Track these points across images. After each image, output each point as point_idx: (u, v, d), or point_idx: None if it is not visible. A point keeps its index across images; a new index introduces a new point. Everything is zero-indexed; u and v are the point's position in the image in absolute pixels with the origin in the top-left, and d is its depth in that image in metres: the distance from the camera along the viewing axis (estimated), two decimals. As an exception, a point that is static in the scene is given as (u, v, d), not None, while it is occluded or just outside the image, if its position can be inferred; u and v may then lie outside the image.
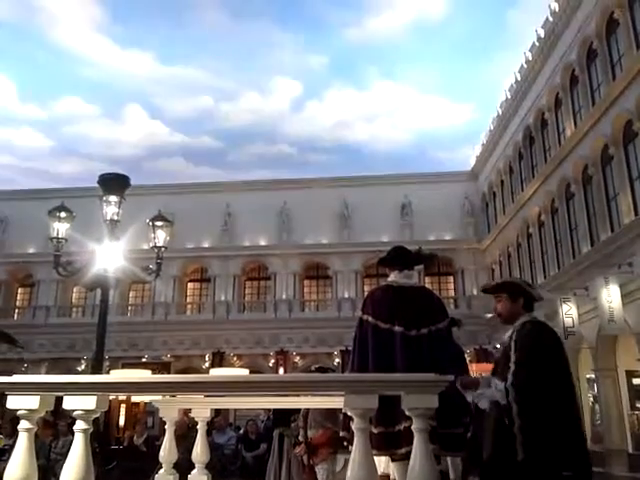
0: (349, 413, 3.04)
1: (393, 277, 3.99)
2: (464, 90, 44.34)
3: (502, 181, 25.40)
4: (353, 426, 3.00)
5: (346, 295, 27.17)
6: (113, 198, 9.79)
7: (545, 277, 20.32)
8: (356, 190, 28.24)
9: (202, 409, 4.81)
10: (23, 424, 3.24)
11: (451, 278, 28.10)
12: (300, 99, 48.36)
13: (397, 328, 3.67)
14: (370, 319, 3.77)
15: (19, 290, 30.07)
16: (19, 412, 3.25)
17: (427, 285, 22.93)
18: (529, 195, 21.68)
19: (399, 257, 4.04)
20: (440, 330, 3.71)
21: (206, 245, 28.65)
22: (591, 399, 17.81)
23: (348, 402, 3.00)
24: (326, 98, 49.51)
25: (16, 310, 29.37)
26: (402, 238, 25.22)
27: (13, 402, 3.23)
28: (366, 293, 4.36)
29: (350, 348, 3.99)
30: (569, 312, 16.43)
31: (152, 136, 47.20)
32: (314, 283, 29.24)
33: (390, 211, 27.67)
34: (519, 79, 22.56)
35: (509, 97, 23.71)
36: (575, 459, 2.90)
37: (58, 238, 9.77)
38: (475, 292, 25.81)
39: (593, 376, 17.05)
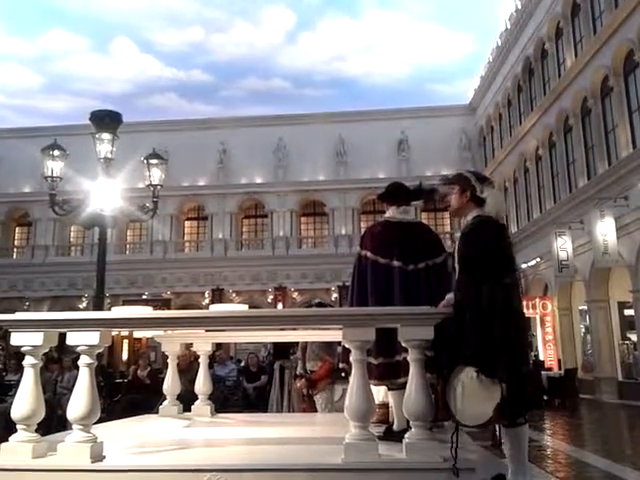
0: (347, 345, 3.13)
1: (391, 213, 4.00)
2: (463, 20, 43.00)
3: (500, 115, 25.05)
4: (351, 357, 3.09)
5: (343, 232, 27.29)
6: (106, 136, 9.66)
7: (541, 211, 20.39)
8: (352, 125, 27.86)
9: (203, 343, 4.93)
10: (28, 360, 3.32)
11: (447, 214, 28.18)
12: (293, 30, 46.85)
13: (395, 263, 3.71)
14: (369, 254, 3.80)
15: (17, 229, 30.12)
16: (23, 348, 3.32)
17: (423, 221, 23.04)
18: (527, 129, 21.44)
19: (398, 193, 4.04)
20: (437, 265, 3.75)
21: (202, 183, 28.50)
22: (583, 330, 18.26)
23: (346, 335, 3.08)
24: (320, 29, 48.05)
25: (15, 249, 29.51)
26: (399, 174, 25.11)
27: (17, 339, 3.30)
28: (363, 230, 4.39)
29: (348, 284, 4.05)
30: (564, 245, 16.60)
31: (143, 71, 46.02)
32: (311, 220, 29.31)
33: (387, 146, 27.41)
34: (519, 7, 21.84)
35: (509, 27, 23.03)
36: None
37: (52, 177, 9.70)
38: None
39: (585, 307, 17.40)
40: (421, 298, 3.50)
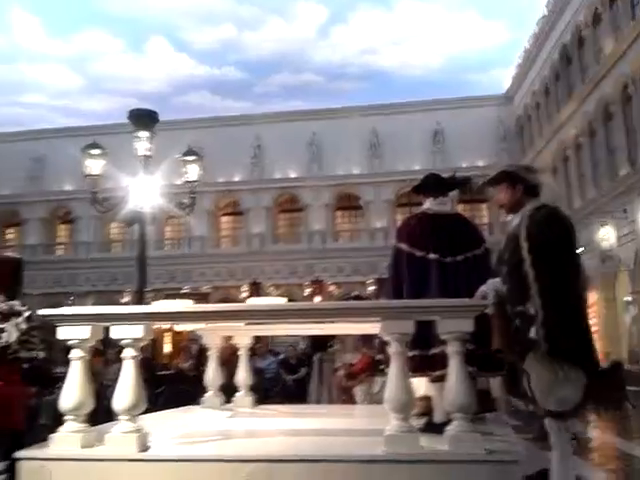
0: (385, 338, 3.13)
1: (427, 205, 3.97)
2: (496, 7, 42.20)
3: (538, 103, 24.53)
4: (389, 350, 3.09)
5: (378, 225, 27.19)
6: (144, 134, 9.85)
7: (583, 200, 19.92)
8: (386, 118, 27.68)
9: (243, 336, 5.00)
10: (76, 353, 3.42)
11: (484, 205, 27.77)
12: (325, 25, 46.77)
13: (432, 255, 3.68)
14: (405, 247, 3.78)
15: (60, 227, 30.95)
16: (70, 342, 3.42)
17: (460, 212, 22.75)
18: (566, 117, 20.95)
19: (433, 184, 4.01)
20: (476, 257, 3.71)
21: (237, 179, 28.77)
22: (628, 321, 17.79)
23: (385, 327, 3.08)
24: (352, 22, 47.86)
25: (59, 246, 30.34)
26: (434, 166, 24.84)
27: (64, 333, 3.40)
28: (398, 222, 4.38)
29: (384, 277, 4.04)
30: (607, 235, 16.20)
31: (178, 70, 46.66)
32: (346, 214, 29.30)
33: (421, 138, 27.15)
34: (557, -7, 21.34)
35: (545, 13, 22.50)
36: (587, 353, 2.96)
37: (93, 175, 9.94)
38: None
39: (630, 298, 16.95)
40: (460, 291, 3.47)
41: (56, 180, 28.91)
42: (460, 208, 25.91)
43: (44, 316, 3.50)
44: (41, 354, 3.80)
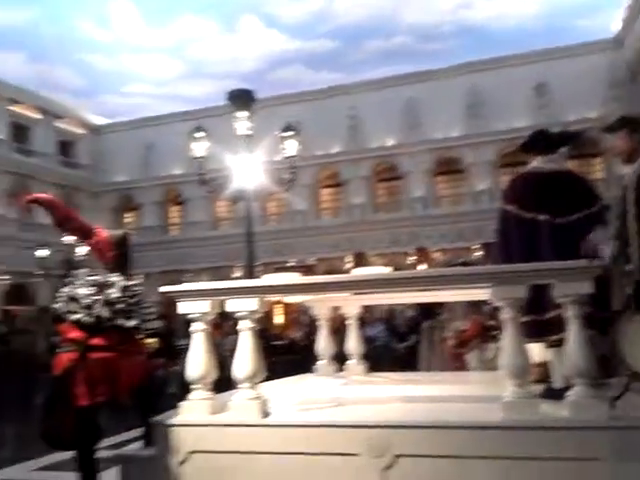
0: (497, 304, 3.07)
1: (535, 163, 3.80)
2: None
3: (654, 44, 22.44)
4: (502, 316, 3.03)
5: (481, 187, 26.33)
6: (243, 114, 10.14)
7: None
8: (485, 75, 26.49)
9: (351, 306, 5.08)
10: (197, 326, 3.65)
11: (598, 159, 26.02)
12: (416, -18, 45.18)
13: (542, 217, 3.53)
14: (512, 209, 3.65)
15: (173, 208, 32.72)
16: (191, 316, 3.65)
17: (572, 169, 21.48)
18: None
19: (541, 140, 3.82)
20: (591, 215, 3.51)
21: (335, 150, 28.85)
22: None
23: (496, 293, 3.02)
24: (445, -23, 45.79)
25: (172, 227, 32.14)
26: (539, 121, 23.45)
27: (185, 307, 3.63)
28: (502, 184, 4.23)
29: (491, 241, 3.94)
30: None
31: (270, 46, 47.18)
32: (447, 178, 28.61)
33: (524, 93, 25.72)
34: None
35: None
36: None
37: (199, 157, 10.40)
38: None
39: None
40: (574, 252, 3.31)
41: (166, 165, 30.48)
42: (571, 165, 24.47)
43: (165, 292, 3.75)
44: (155, 324, 3.96)
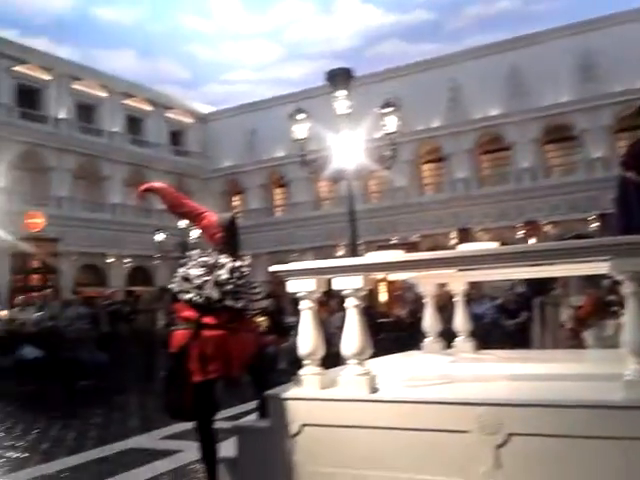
0: (617, 277, 2.89)
1: (658, 126, 3.51)
2: None
3: None
4: (623, 290, 2.85)
5: (596, 155, 24.67)
6: (341, 93, 10.14)
7: None
8: (599, 34, 24.62)
9: (457, 282, 4.99)
10: (305, 304, 3.74)
11: None
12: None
13: (666, 183, 3.27)
14: (633, 176, 3.41)
15: (276, 191, 33.57)
16: (299, 294, 3.75)
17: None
18: None
19: (664, 101, 3.52)
20: None
21: (436, 124, 28.16)
22: None
23: (616, 266, 2.85)
24: None
25: (277, 209, 33.01)
26: (662, 80, 21.62)
27: (292, 286, 3.73)
28: (620, 150, 3.94)
29: (608, 211, 3.70)
30: None
31: (366, 22, 46.67)
32: (557, 147, 27.07)
33: (643, 50, 23.66)
34: None
35: None
36: None
37: (300, 139, 10.56)
38: None
39: None
40: None
41: (269, 148, 31.24)
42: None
43: (274, 272, 3.87)
44: (263, 303, 4.03)
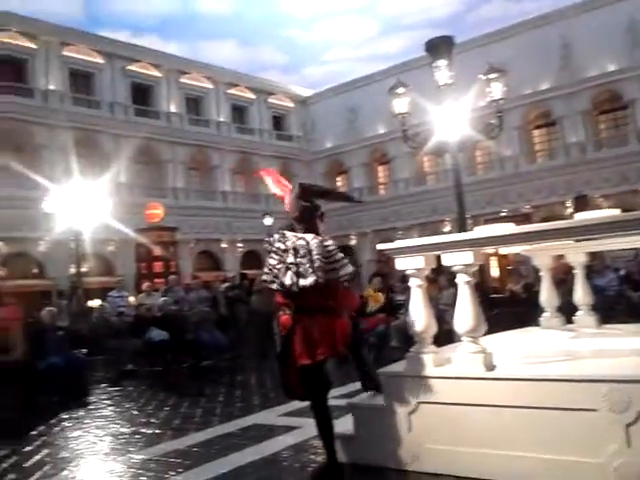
0: None
1: None
2: None
3: None
4: None
5: None
6: (442, 62, 9.82)
7: None
8: None
9: (575, 254, 4.72)
10: (414, 281, 3.71)
11: None
12: None
13: None
14: None
15: (379, 168, 33.38)
16: (408, 271, 3.72)
17: None
18: None
19: None
20: None
21: (545, 86, 26.57)
22: None
23: None
24: None
25: (380, 186, 32.85)
26: None
27: (401, 263, 3.71)
28: None
29: None
30: None
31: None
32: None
33: None
34: None
35: None
36: None
37: (401, 113, 10.37)
38: None
39: None
40: None
41: (371, 125, 31.05)
42: None
43: (382, 250, 3.86)
44: (349, 269, 3.61)
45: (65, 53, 25.68)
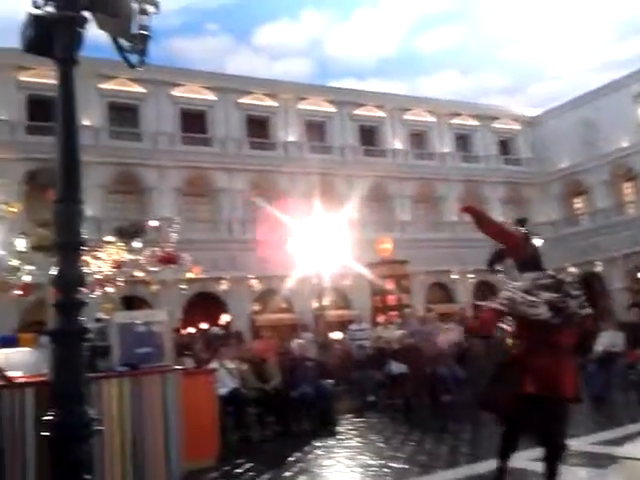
0: None
1: None
2: None
3: None
4: None
5: None
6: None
7: None
8: None
9: None
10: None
11: None
12: None
13: None
14: None
15: (625, 185, 29.92)
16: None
17: None
18: None
19: None
20: None
21: None
22: None
23: None
24: None
25: (628, 205, 29.22)
26: None
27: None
28: None
29: None
30: None
31: None
32: None
33: None
34: None
35: None
36: None
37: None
38: None
39: None
40: None
41: (609, 139, 28.24)
42: None
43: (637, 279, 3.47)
44: (587, 310, 3.88)
45: (300, 107, 28.28)
